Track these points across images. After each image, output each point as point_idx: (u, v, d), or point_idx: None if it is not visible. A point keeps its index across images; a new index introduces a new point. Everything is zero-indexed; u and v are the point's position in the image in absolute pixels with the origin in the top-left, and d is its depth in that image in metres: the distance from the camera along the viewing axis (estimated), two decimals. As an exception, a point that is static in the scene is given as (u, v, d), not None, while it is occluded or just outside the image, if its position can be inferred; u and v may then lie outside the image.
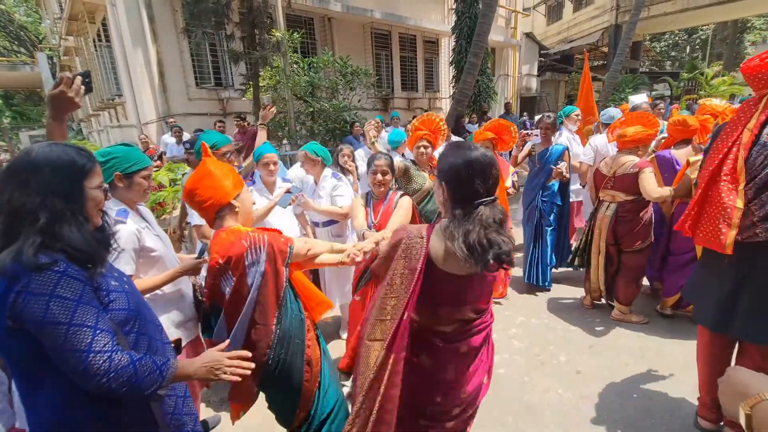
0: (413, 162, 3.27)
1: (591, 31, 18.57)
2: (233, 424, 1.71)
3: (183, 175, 4.69)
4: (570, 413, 2.34)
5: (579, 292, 3.80)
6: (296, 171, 3.66)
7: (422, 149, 3.20)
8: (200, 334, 1.90)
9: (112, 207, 1.68)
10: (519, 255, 4.22)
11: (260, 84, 8.03)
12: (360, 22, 11.66)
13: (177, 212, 4.17)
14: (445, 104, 14.18)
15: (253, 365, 1.25)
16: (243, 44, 8.18)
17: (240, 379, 1.22)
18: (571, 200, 4.17)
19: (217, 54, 9.63)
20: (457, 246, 1.18)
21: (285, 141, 7.84)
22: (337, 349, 3.04)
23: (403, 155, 4.33)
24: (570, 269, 4.41)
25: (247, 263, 1.44)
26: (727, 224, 1.70)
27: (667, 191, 2.73)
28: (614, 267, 3.23)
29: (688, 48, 30.88)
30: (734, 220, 1.68)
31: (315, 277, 3.35)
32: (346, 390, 2.14)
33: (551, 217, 3.86)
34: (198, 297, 1.95)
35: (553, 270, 4.05)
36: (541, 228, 3.89)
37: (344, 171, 3.51)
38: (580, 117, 4.56)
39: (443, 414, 1.42)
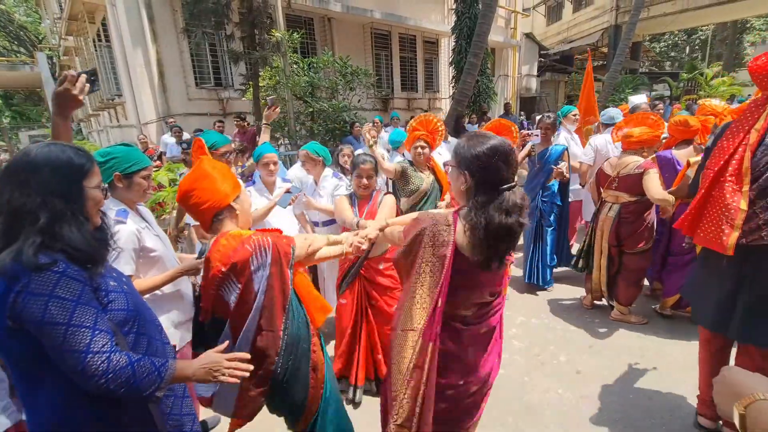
0: (410, 163, 3.27)
1: (591, 31, 18.58)
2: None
3: (180, 175, 4.68)
4: (570, 413, 2.34)
5: (579, 292, 3.80)
6: (296, 171, 3.66)
7: (420, 150, 3.20)
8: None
9: (112, 207, 1.68)
10: (519, 255, 4.22)
11: (260, 84, 8.02)
12: (360, 22, 11.67)
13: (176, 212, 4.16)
14: (445, 104, 14.19)
15: (251, 367, 1.24)
16: (243, 44, 8.18)
17: (238, 381, 1.21)
18: (570, 200, 4.18)
19: (216, 54, 9.63)
20: (478, 233, 1.23)
21: (284, 141, 7.83)
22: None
23: (403, 155, 4.33)
24: (569, 269, 4.43)
25: (253, 268, 1.36)
26: (730, 225, 1.69)
27: (670, 197, 2.71)
28: (615, 268, 3.23)
29: (687, 48, 30.91)
30: (737, 222, 1.67)
31: (313, 278, 3.35)
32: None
33: (551, 218, 3.87)
34: (198, 298, 1.95)
35: (554, 270, 4.05)
36: (541, 228, 3.89)
37: (344, 171, 3.51)
38: (577, 117, 4.56)
39: (463, 394, 1.46)
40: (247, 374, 1.23)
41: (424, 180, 3.22)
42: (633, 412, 2.31)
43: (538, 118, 4.95)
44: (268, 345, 1.42)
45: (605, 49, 18.03)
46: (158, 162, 7.16)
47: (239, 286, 1.36)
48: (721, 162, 1.73)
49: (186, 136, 7.59)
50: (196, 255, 1.86)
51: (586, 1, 19.75)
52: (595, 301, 3.52)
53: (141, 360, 1.07)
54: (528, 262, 3.94)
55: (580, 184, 4.23)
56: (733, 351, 2.00)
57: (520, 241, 4.21)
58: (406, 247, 1.37)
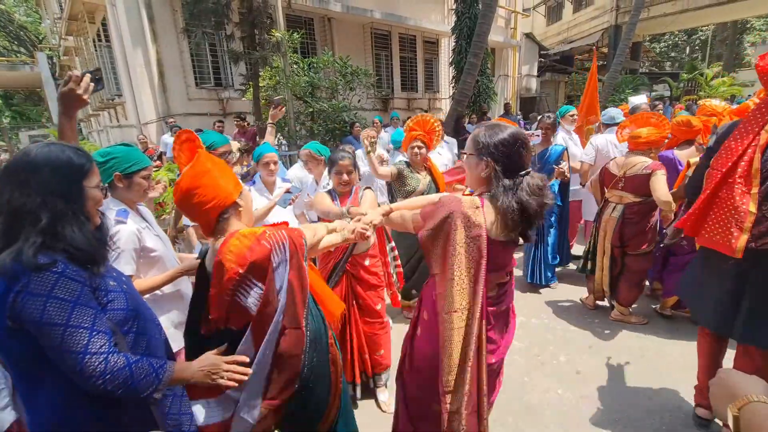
0: (407, 163, 3.27)
1: (591, 31, 18.58)
2: None
3: (178, 175, 4.68)
4: (570, 413, 2.34)
5: (579, 292, 3.80)
6: (296, 171, 3.66)
7: (417, 150, 3.20)
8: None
9: (113, 207, 1.68)
10: (518, 255, 4.22)
11: (260, 84, 8.03)
12: (360, 22, 11.67)
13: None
14: (445, 104, 14.19)
15: (249, 371, 1.22)
16: (243, 44, 8.18)
17: (237, 384, 1.20)
18: (570, 200, 4.19)
19: (217, 54, 9.63)
20: (511, 214, 1.32)
21: (283, 141, 7.83)
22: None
23: (404, 154, 4.33)
24: (569, 269, 4.44)
25: (274, 265, 1.26)
26: (739, 228, 1.66)
27: (672, 202, 2.70)
28: (618, 269, 3.22)
29: (687, 49, 30.92)
30: (746, 225, 1.64)
31: None
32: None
33: (552, 218, 3.88)
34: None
35: (555, 269, 4.06)
36: (542, 228, 3.90)
37: None
38: (575, 117, 4.56)
39: (492, 372, 1.53)
40: (246, 377, 1.22)
41: (420, 181, 3.22)
42: (633, 412, 2.31)
43: (538, 117, 4.95)
44: (293, 344, 1.33)
45: (605, 50, 18.03)
46: (158, 162, 7.16)
47: (260, 286, 1.26)
48: (729, 163, 1.70)
49: (186, 136, 7.57)
50: (195, 255, 1.86)
51: (586, 1, 19.76)
52: (597, 302, 3.51)
53: (139, 361, 1.07)
54: (530, 263, 3.95)
55: (581, 184, 4.23)
56: (733, 352, 2.00)
57: (520, 241, 4.22)
58: (432, 230, 1.38)
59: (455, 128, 8.55)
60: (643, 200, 2.98)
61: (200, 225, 1.36)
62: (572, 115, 4.46)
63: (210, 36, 8.95)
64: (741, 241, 1.66)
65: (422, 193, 3.23)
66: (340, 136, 7.73)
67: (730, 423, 0.67)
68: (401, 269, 3.01)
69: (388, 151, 5.61)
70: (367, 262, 2.46)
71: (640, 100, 5.19)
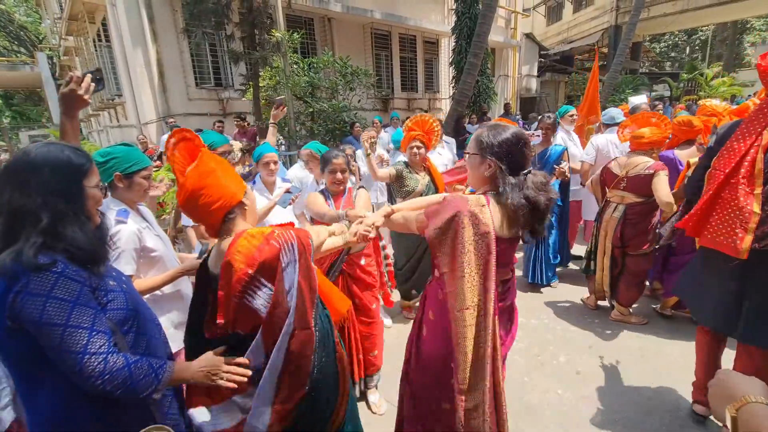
0: (406, 164, 3.27)
1: (591, 31, 18.59)
2: None
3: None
4: (570, 413, 2.34)
5: (579, 292, 3.81)
6: (296, 171, 3.67)
7: (415, 150, 3.20)
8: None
9: (113, 207, 1.68)
10: (518, 255, 4.22)
11: (260, 84, 8.03)
12: (360, 22, 11.67)
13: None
14: (445, 105, 14.19)
15: (249, 372, 1.21)
16: (243, 44, 8.18)
17: (236, 386, 1.20)
18: (570, 200, 4.19)
19: (217, 54, 9.63)
20: (521, 210, 1.37)
21: (283, 141, 7.83)
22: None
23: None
24: (569, 269, 4.44)
25: (283, 265, 1.23)
26: (744, 229, 1.65)
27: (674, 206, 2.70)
28: (618, 269, 3.22)
29: (687, 49, 30.91)
30: (751, 225, 1.64)
31: None
32: None
33: (553, 218, 3.89)
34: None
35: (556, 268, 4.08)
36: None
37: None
38: (575, 118, 4.56)
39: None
40: (245, 379, 1.21)
41: (419, 181, 3.22)
42: (633, 412, 2.31)
43: (539, 117, 4.95)
44: (303, 346, 1.29)
45: (605, 50, 18.04)
46: (158, 162, 7.16)
47: (270, 287, 1.22)
48: (732, 163, 1.70)
49: (186, 136, 7.58)
50: (196, 255, 1.86)
51: (586, 1, 19.77)
52: (599, 302, 3.51)
53: (138, 362, 1.07)
54: (531, 263, 3.95)
55: (581, 184, 4.24)
56: (733, 352, 2.00)
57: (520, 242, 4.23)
58: (439, 229, 1.39)
59: (455, 128, 8.55)
60: (644, 200, 2.97)
61: (205, 226, 1.33)
62: (572, 116, 4.46)
63: (210, 36, 8.95)
64: (746, 242, 1.65)
65: (421, 194, 3.23)
66: (340, 137, 7.74)
67: (729, 424, 0.67)
68: (392, 268, 3.01)
69: (388, 151, 5.61)
70: (362, 261, 2.47)
71: (640, 100, 5.19)
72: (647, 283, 3.55)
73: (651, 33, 22.09)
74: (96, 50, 11.35)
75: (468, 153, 1.54)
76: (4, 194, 1.00)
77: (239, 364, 1.22)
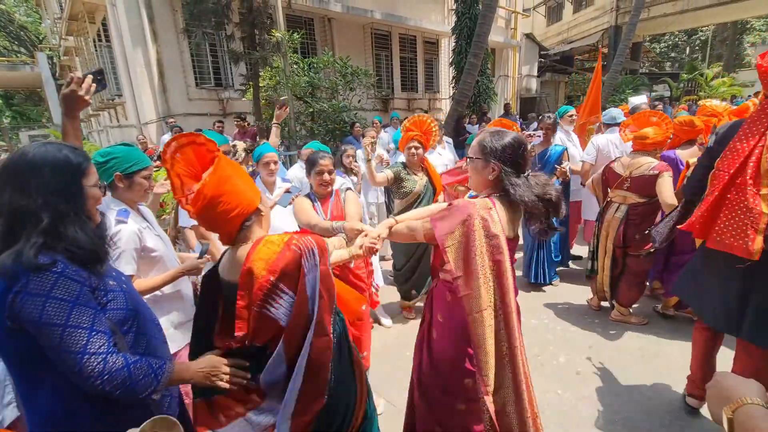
0: (403, 165, 3.27)
1: (591, 32, 18.59)
2: None
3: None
4: (570, 413, 2.34)
5: (578, 292, 3.81)
6: (296, 171, 3.67)
7: (413, 150, 3.20)
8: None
9: (113, 207, 1.68)
10: (518, 255, 4.22)
11: (260, 84, 8.03)
12: (360, 22, 11.67)
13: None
14: (445, 105, 14.19)
15: (248, 375, 1.21)
16: (243, 44, 8.18)
17: (236, 388, 1.19)
18: (570, 200, 4.20)
19: (217, 54, 9.63)
20: (537, 206, 1.45)
21: (282, 141, 7.83)
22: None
23: None
24: (569, 268, 4.44)
25: (305, 271, 1.20)
26: (755, 230, 1.64)
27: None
28: (619, 269, 3.21)
29: (687, 49, 30.91)
30: (761, 226, 1.63)
31: None
32: None
33: (554, 219, 3.90)
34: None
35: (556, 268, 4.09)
36: None
37: (347, 171, 3.53)
38: (574, 118, 4.57)
39: None
40: (245, 382, 1.20)
41: (417, 182, 3.22)
42: (633, 413, 2.31)
43: (538, 118, 4.96)
44: (322, 353, 1.24)
45: (605, 50, 18.05)
46: (158, 162, 7.16)
47: (291, 295, 1.18)
48: (736, 164, 1.69)
49: (186, 136, 7.58)
50: (197, 255, 1.86)
51: (586, 1, 19.77)
52: (602, 303, 3.50)
53: (138, 362, 1.07)
54: (534, 263, 3.95)
55: (581, 184, 4.24)
56: (732, 352, 2.00)
57: (520, 242, 4.24)
58: (451, 233, 1.43)
59: (455, 128, 8.56)
60: (647, 201, 2.97)
61: (220, 233, 1.27)
62: (571, 116, 4.46)
63: (210, 36, 8.95)
64: (758, 243, 1.63)
65: (419, 195, 3.24)
66: (340, 137, 7.74)
67: (725, 425, 0.67)
68: (372, 268, 3.01)
69: (388, 152, 5.61)
70: (352, 264, 2.46)
71: (640, 100, 5.20)
72: (647, 283, 3.55)
73: (651, 33, 22.10)
74: (96, 50, 11.35)
75: (471, 158, 1.57)
76: (3, 195, 1.00)
77: (239, 366, 1.21)
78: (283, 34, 7.46)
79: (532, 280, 3.96)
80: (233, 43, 8.20)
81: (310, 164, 2.42)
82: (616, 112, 4.24)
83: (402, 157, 3.39)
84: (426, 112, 13.08)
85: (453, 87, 12.15)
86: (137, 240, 1.66)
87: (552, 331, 3.24)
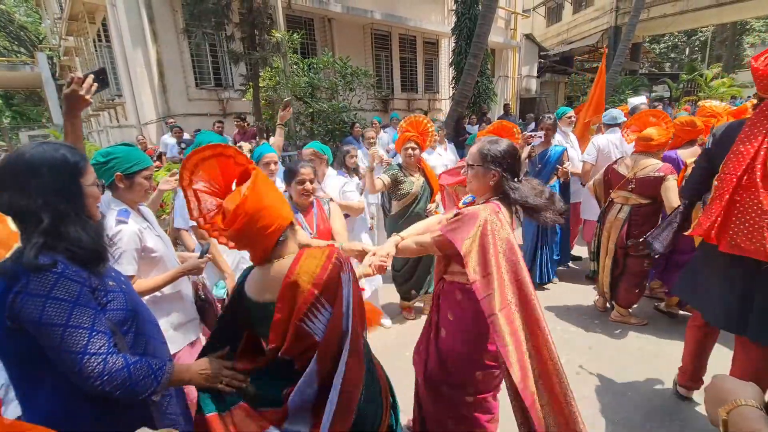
0: (399, 166, 3.28)
1: (591, 32, 18.60)
2: None
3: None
4: (570, 414, 2.34)
5: (578, 293, 3.81)
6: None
7: (410, 151, 3.21)
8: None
9: (114, 207, 1.68)
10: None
11: (260, 85, 8.03)
12: (360, 23, 11.67)
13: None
14: (445, 105, 14.19)
15: (248, 380, 1.20)
16: (243, 45, 8.18)
17: (235, 390, 1.18)
18: (571, 201, 4.21)
19: (217, 54, 9.64)
20: (543, 201, 1.58)
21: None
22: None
23: None
24: (569, 268, 4.45)
25: (343, 284, 1.18)
26: None
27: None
28: (619, 270, 3.21)
29: (687, 50, 30.94)
30: None
31: None
32: None
33: None
34: (200, 297, 1.95)
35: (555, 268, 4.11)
36: (546, 229, 3.93)
37: (349, 171, 3.54)
38: (572, 119, 4.58)
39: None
40: (244, 386, 1.19)
41: (414, 183, 3.23)
42: (633, 413, 2.31)
43: (539, 118, 4.96)
44: (355, 372, 1.18)
45: (605, 50, 18.07)
46: (158, 162, 7.16)
47: (330, 309, 1.15)
48: (743, 166, 1.68)
49: (186, 136, 7.59)
50: (197, 254, 1.86)
51: (586, 2, 19.78)
52: (608, 304, 3.49)
53: (138, 363, 1.07)
54: (538, 264, 3.95)
55: (582, 184, 4.25)
56: (731, 352, 2.00)
57: (519, 242, 4.25)
58: (470, 239, 1.48)
59: (455, 129, 8.56)
60: (650, 202, 2.97)
61: (255, 250, 1.22)
62: (569, 117, 4.47)
63: (210, 36, 8.95)
64: None
65: (417, 196, 3.24)
66: (339, 137, 7.74)
67: (721, 426, 0.69)
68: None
69: (387, 152, 5.61)
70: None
71: (639, 101, 5.20)
72: (646, 284, 3.55)
73: (651, 34, 22.13)
74: (96, 50, 11.35)
75: (471, 165, 1.65)
76: (3, 196, 1.00)
77: (239, 370, 1.21)
78: (283, 35, 7.46)
79: (537, 280, 3.96)
80: (233, 43, 8.20)
81: (291, 174, 2.34)
82: (617, 113, 4.24)
83: (400, 158, 3.41)
84: (426, 112, 13.09)
85: (453, 87, 12.14)
86: (138, 240, 1.66)
87: (552, 331, 3.18)
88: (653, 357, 2.82)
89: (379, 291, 3.41)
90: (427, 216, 3.13)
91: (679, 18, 16.80)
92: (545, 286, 4.01)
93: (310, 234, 2.35)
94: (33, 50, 21.70)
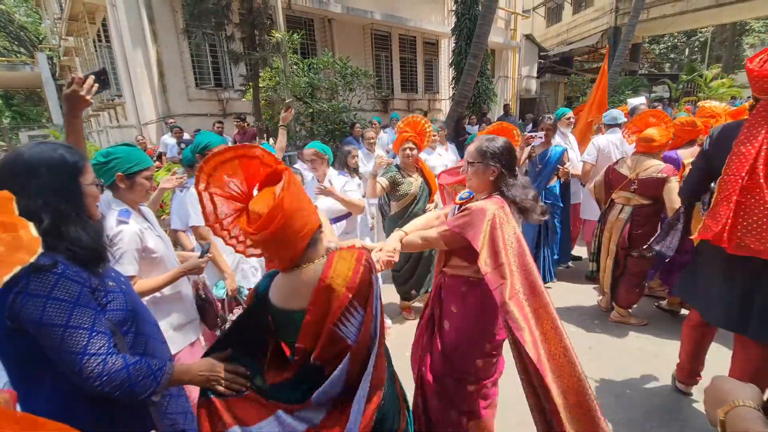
0: (397, 167, 3.28)
1: (590, 33, 18.61)
2: None
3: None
4: (569, 414, 2.34)
5: (578, 293, 3.81)
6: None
7: (408, 151, 3.21)
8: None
9: (115, 207, 1.68)
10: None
11: (260, 85, 8.03)
12: (360, 23, 11.68)
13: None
14: (445, 105, 14.20)
15: (248, 383, 1.19)
16: (243, 45, 8.19)
17: (234, 393, 1.17)
18: (571, 202, 4.22)
19: (217, 55, 9.64)
20: (530, 201, 1.65)
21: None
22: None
23: None
24: (568, 268, 4.45)
25: (374, 287, 1.15)
26: None
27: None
28: (620, 270, 3.21)
29: (687, 50, 30.94)
30: None
31: None
32: None
33: (556, 220, 3.93)
34: (201, 296, 1.95)
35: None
36: (547, 229, 3.92)
37: (351, 171, 3.54)
38: (572, 120, 4.58)
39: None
40: (245, 389, 1.18)
41: (412, 184, 3.24)
42: (633, 413, 2.31)
43: (539, 118, 4.97)
44: (381, 371, 1.17)
45: (605, 51, 18.07)
46: (158, 163, 7.16)
47: (362, 312, 1.13)
48: (747, 167, 1.68)
49: (186, 136, 7.59)
50: (198, 254, 1.86)
51: (585, 2, 19.79)
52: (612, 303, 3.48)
53: (137, 363, 1.06)
54: (541, 263, 3.95)
55: (582, 184, 4.25)
56: (729, 352, 2.00)
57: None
58: (483, 233, 1.54)
59: (455, 129, 8.56)
60: (652, 203, 2.98)
61: (285, 256, 1.15)
62: (568, 118, 4.47)
63: (210, 37, 8.96)
64: None
65: (415, 196, 3.25)
66: (340, 137, 7.73)
67: (719, 427, 0.70)
68: None
69: (387, 152, 5.61)
70: None
71: (638, 101, 5.20)
72: (645, 284, 3.55)
73: (650, 34, 22.12)
74: (96, 50, 11.36)
75: (471, 162, 1.71)
76: None
77: (239, 373, 1.20)
78: (283, 35, 7.47)
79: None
80: (233, 43, 8.20)
81: None
82: (617, 113, 4.24)
83: (397, 159, 3.42)
84: (426, 113, 13.09)
85: (453, 88, 12.15)
86: (139, 241, 1.66)
87: (552, 331, 3.24)
88: (653, 357, 2.82)
89: (378, 291, 3.41)
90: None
91: (679, 18, 16.80)
92: (546, 286, 4.01)
93: None
94: (33, 50, 21.70)
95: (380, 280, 3.26)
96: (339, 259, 1.15)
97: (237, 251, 1.18)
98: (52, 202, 1.02)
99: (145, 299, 1.59)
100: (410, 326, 3.43)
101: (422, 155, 4.14)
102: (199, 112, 9.40)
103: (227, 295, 2.27)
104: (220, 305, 2.07)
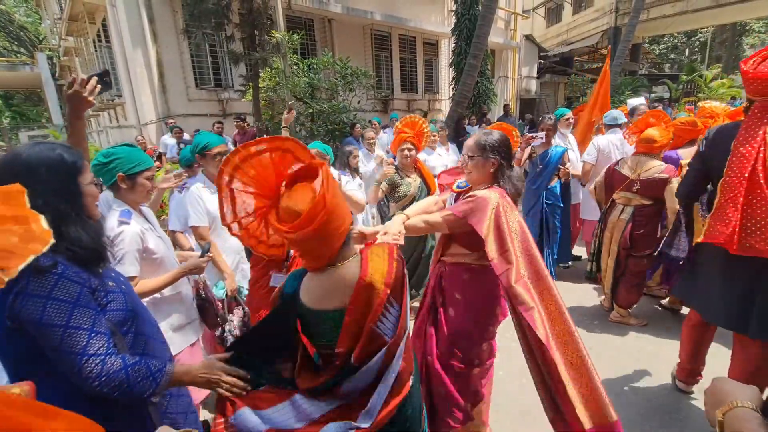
0: (396, 168, 3.28)
1: (590, 33, 18.62)
2: None
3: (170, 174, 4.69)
4: (569, 415, 2.33)
5: (578, 293, 3.81)
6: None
7: (406, 152, 3.22)
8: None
9: (116, 208, 1.68)
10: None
11: (260, 85, 8.03)
12: (360, 23, 11.68)
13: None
14: (445, 106, 14.20)
15: (248, 387, 1.17)
16: (243, 45, 8.18)
17: (234, 398, 1.16)
18: (572, 202, 4.22)
19: (217, 55, 9.64)
20: (513, 194, 1.73)
21: None
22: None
23: None
24: (567, 268, 4.45)
25: (407, 281, 1.13)
26: None
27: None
28: (621, 270, 3.22)
29: (687, 50, 30.95)
30: None
31: None
32: None
33: (556, 220, 3.93)
34: (201, 296, 1.95)
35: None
36: (548, 229, 3.93)
37: (352, 171, 3.55)
38: (571, 121, 4.59)
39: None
40: (244, 393, 1.17)
41: (411, 184, 3.25)
42: (632, 413, 2.31)
43: (539, 119, 4.97)
44: (409, 363, 1.16)
45: (605, 51, 18.07)
46: (158, 163, 7.16)
47: (398, 308, 1.10)
48: (748, 168, 1.67)
49: (186, 136, 7.60)
50: (198, 254, 1.86)
51: (585, 3, 19.80)
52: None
53: (137, 364, 1.06)
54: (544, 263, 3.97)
55: (582, 184, 4.25)
56: (730, 352, 2.00)
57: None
58: (488, 220, 1.59)
59: (455, 129, 8.56)
60: (653, 203, 2.98)
61: (320, 255, 1.10)
62: (567, 119, 4.47)
63: (210, 37, 8.96)
64: None
65: (414, 197, 3.25)
66: (340, 137, 7.74)
67: (717, 428, 0.70)
68: None
69: (387, 152, 5.61)
70: None
71: (638, 101, 5.20)
72: (645, 284, 3.55)
73: (650, 35, 22.13)
74: (96, 51, 11.35)
75: (471, 156, 1.75)
76: None
77: (240, 377, 1.19)
78: (283, 35, 7.47)
79: None
80: (233, 43, 8.20)
81: None
82: (618, 114, 4.25)
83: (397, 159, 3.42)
84: (426, 113, 13.10)
85: (453, 88, 12.15)
86: (140, 241, 1.66)
87: (551, 332, 3.24)
88: (653, 357, 2.82)
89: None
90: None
91: (679, 19, 16.81)
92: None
93: None
94: (33, 50, 21.71)
95: None
96: (373, 255, 1.12)
97: (257, 252, 1.13)
98: (51, 202, 1.02)
99: (145, 300, 1.59)
100: (410, 326, 3.42)
101: (422, 155, 4.16)
102: (199, 112, 9.40)
103: (227, 295, 2.28)
104: (220, 305, 2.07)
